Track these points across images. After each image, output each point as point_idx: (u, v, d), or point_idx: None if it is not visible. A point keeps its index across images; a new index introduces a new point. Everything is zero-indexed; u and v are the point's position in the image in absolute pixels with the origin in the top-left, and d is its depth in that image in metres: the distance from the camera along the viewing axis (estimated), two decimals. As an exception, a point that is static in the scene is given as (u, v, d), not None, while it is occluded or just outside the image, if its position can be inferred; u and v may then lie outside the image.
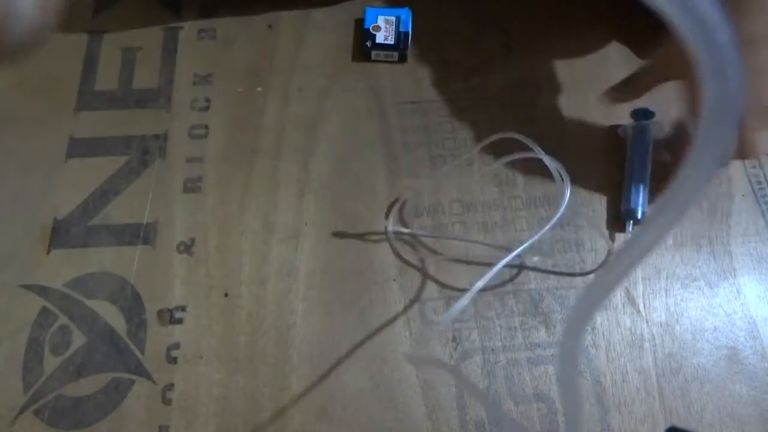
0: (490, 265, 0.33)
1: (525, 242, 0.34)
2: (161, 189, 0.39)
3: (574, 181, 0.40)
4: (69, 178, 0.39)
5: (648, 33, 0.45)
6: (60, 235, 0.38)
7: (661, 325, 0.36)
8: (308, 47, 0.44)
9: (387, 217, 0.38)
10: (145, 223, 0.38)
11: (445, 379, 0.34)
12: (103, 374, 0.34)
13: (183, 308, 0.36)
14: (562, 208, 0.33)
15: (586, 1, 0.46)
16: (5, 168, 0.40)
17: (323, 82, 0.43)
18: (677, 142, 0.40)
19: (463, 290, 0.36)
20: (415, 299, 0.36)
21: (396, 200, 0.39)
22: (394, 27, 0.43)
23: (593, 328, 0.36)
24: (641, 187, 0.38)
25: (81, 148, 0.41)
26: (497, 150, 0.41)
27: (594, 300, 0.17)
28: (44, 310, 0.36)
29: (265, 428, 0.33)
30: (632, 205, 0.37)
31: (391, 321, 0.36)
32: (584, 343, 0.35)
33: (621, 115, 0.41)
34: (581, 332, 0.18)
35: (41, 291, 0.36)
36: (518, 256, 0.34)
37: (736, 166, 0.40)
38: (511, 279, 0.37)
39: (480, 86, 0.43)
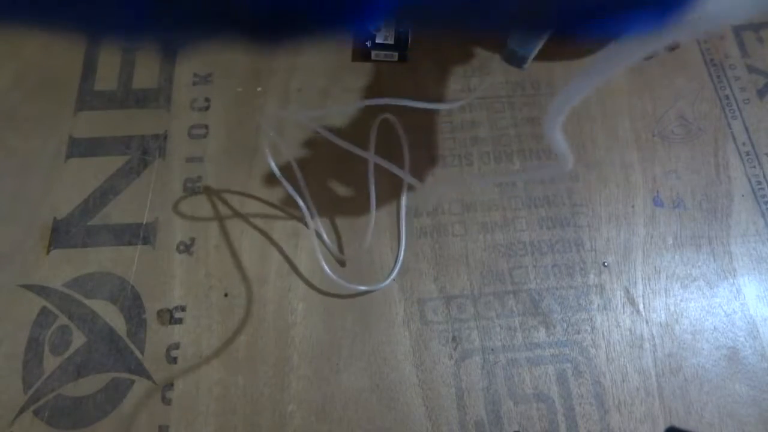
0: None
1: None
2: (161, 189, 0.39)
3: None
4: (69, 178, 0.39)
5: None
6: (60, 235, 0.38)
7: (661, 325, 0.36)
8: (308, 47, 0.44)
9: None
10: (145, 223, 0.38)
11: (445, 380, 0.34)
12: (103, 374, 0.34)
13: (183, 308, 0.36)
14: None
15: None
16: (5, 168, 0.40)
17: (323, 82, 0.43)
18: None
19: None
20: (415, 299, 0.36)
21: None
22: (394, 27, 0.43)
23: (593, 328, 0.36)
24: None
25: (81, 148, 0.41)
26: (497, 150, 0.41)
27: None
28: (44, 310, 0.36)
29: (265, 428, 0.33)
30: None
31: (391, 321, 0.36)
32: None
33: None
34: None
35: (41, 291, 0.36)
36: None
37: (736, 166, 0.40)
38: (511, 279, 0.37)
39: (480, 86, 0.43)
